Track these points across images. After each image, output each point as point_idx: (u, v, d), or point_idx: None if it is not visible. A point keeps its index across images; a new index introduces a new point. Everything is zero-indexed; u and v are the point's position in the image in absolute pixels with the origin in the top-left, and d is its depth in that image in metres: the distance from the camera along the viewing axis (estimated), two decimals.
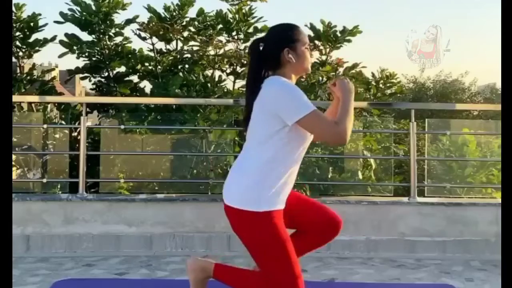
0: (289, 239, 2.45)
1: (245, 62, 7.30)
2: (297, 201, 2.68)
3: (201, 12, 7.21)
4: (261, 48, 2.58)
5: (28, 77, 6.98)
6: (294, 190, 2.65)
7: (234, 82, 7.37)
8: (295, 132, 2.43)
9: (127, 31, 8.63)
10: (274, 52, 2.53)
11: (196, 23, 7.20)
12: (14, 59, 6.94)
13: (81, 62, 7.15)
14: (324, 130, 2.40)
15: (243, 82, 7.48)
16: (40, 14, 6.92)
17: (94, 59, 7.08)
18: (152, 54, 7.24)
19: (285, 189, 2.50)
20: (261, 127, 2.46)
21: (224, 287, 2.64)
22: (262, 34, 7.76)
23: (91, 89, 7.96)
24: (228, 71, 7.37)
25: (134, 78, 7.33)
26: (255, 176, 2.44)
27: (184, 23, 7.18)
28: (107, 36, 7.03)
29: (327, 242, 2.80)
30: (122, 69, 7.21)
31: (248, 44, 7.35)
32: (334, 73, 7.11)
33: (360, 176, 6.11)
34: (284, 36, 2.56)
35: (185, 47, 7.26)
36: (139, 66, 7.14)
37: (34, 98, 6.34)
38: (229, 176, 2.58)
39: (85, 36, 7.01)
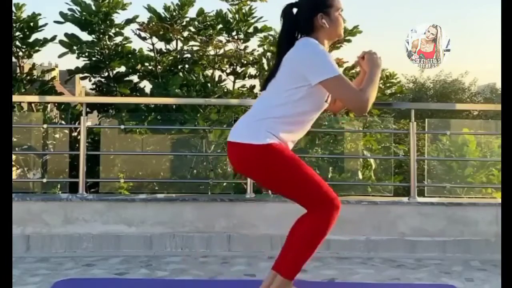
0: (303, 163, 2.49)
1: (245, 62, 7.31)
2: None
3: (201, 12, 7.21)
4: (294, 12, 2.59)
5: (28, 77, 6.98)
6: None
7: (234, 82, 7.38)
8: (312, 94, 2.48)
9: (127, 31, 8.64)
10: (307, 17, 2.56)
11: (196, 23, 7.20)
12: (14, 59, 6.95)
13: (81, 62, 7.17)
14: (348, 95, 2.45)
15: (243, 82, 7.49)
16: (40, 14, 6.93)
17: (94, 59, 7.09)
18: (152, 54, 7.25)
19: (288, 138, 2.53)
20: (282, 81, 2.51)
21: None
22: (262, 34, 7.81)
23: (91, 89, 7.97)
24: (228, 71, 7.37)
25: (134, 78, 7.35)
26: (260, 115, 2.51)
27: (184, 23, 7.18)
28: (107, 36, 7.03)
29: None
30: (122, 69, 7.22)
31: (248, 44, 7.37)
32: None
33: (360, 176, 6.12)
34: (318, 1, 2.58)
35: (185, 47, 7.28)
36: (139, 66, 7.15)
37: (34, 98, 6.34)
38: (239, 120, 2.64)
39: (85, 36, 7.03)
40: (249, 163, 2.52)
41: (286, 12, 2.62)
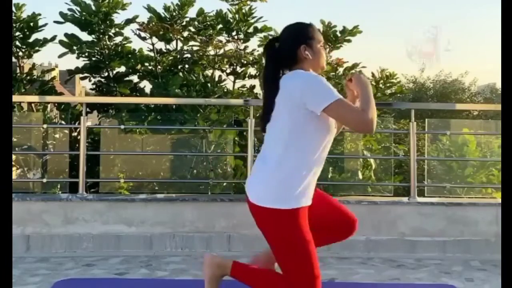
0: (312, 240, 2.46)
1: (245, 62, 7.31)
2: (317, 197, 2.67)
3: (201, 12, 7.21)
4: (276, 46, 2.59)
5: (28, 77, 6.97)
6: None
7: (234, 82, 7.37)
8: (320, 123, 2.45)
9: (127, 31, 8.65)
10: (290, 50, 2.55)
11: (196, 23, 7.20)
12: (14, 59, 6.94)
13: (81, 62, 7.16)
14: (352, 117, 2.43)
15: (243, 82, 7.49)
16: (40, 14, 6.92)
17: (94, 59, 7.08)
18: (152, 54, 7.24)
19: (311, 186, 2.52)
20: (286, 121, 2.46)
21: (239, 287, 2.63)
22: (262, 34, 7.80)
23: (91, 89, 7.96)
24: (228, 71, 7.37)
25: (134, 78, 7.34)
26: (281, 173, 2.45)
27: (184, 23, 7.18)
28: (107, 36, 7.03)
29: (342, 240, 2.85)
30: (122, 69, 7.21)
31: (248, 44, 7.36)
32: (334, 73, 7.10)
33: (360, 176, 6.11)
34: (300, 34, 2.58)
35: (185, 47, 7.27)
36: (139, 66, 7.14)
37: (34, 98, 6.34)
38: (253, 174, 2.59)
39: (85, 36, 7.02)
40: (273, 226, 2.50)
41: (269, 47, 2.61)
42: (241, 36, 7.26)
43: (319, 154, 2.53)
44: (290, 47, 2.55)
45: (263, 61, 7.23)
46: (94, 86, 7.38)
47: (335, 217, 2.77)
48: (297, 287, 2.43)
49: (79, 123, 4.72)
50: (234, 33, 7.26)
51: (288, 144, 2.46)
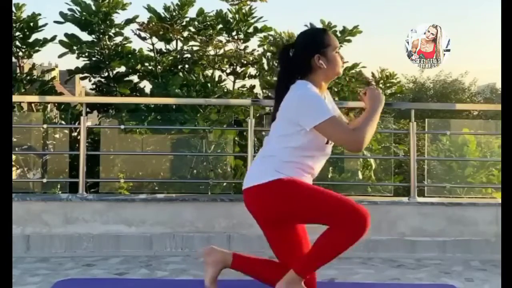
0: (311, 184, 2.51)
1: (245, 62, 7.31)
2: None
3: (201, 12, 7.21)
4: (291, 54, 2.58)
5: (28, 77, 6.98)
6: None
7: (234, 82, 7.38)
8: (311, 138, 2.48)
9: (127, 31, 8.63)
10: (304, 59, 2.54)
11: (196, 23, 7.20)
12: (14, 59, 6.94)
13: (81, 62, 7.16)
14: (341, 136, 2.44)
15: (243, 82, 7.50)
16: (40, 14, 6.93)
17: (94, 59, 7.08)
18: (152, 54, 7.24)
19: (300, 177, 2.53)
20: (281, 126, 2.53)
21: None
22: (262, 34, 7.81)
23: (91, 89, 7.97)
24: (228, 71, 7.37)
25: (134, 78, 7.34)
26: (270, 159, 2.51)
27: (184, 23, 7.18)
28: (107, 36, 7.03)
29: None
30: (122, 69, 7.22)
31: (248, 44, 7.37)
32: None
33: (360, 176, 6.11)
34: (314, 42, 2.57)
35: (185, 47, 7.27)
36: (139, 66, 7.14)
37: (34, 98, 6.34)
38: (249, 169, 2.71)
39: (85, 36, 7.02)
40: (266, 204, 2.50)
41: (283, 54, 2.62)
42: (241, 36, 7.27)
43: (311, 164, 2.56)
44: (304, 57, 2.54)
45: (263, 61, 7.28)
46: (94, 86, 7.39)
47: None
48: (348, 223, 2.42)
49: (79, 123, 4.72)
50: (234, 33, 7.26)
51: (284, 145, 2.51)
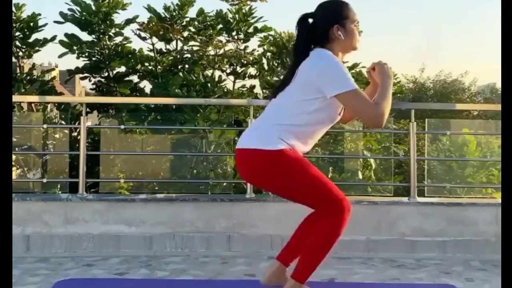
0: (317, 171, 2.52)
1: (245, 62, 7.31)
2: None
3: (201, 12, 7.22)
4: (309, 22, 2.59)
5: (28, 77, 6.98)
6: None
7: (234, 82, 7.38)
8: (327, 107, 2.48)
9: (127, 31, 8.65)
10: (323, 28, 2.55)
11: (196, 23, 7.21)
12: (14, 59, 6.95)
13: (81, 62, 7.17)
14: (363, 109, 2.44)
15: (243, 82, 7.50)
16: (40, 14, 6.93)
17: (94, 59, 7.09)
18: (152, 54, 7.25)
19: (298, 147, 2.54)
20: (296, 91, 2.50)
21: None
22: (262, 34, 7.80)
23: (91, 89, 7.97)
24: (228, 71, 7.38)
25: (134, 78, 7.35)
26: (270, 122, 2.51)
27: (184, 23, 7.19)
28: (107, 36, 7.03)
29: None
30: (122, 69, 7.22)
31: (248, 44, 7.37)
32: None
33: (360, 176, 6.12)
34: (334, 13, 2.58)
35: (185, 47, 7.28)
36: (139, 66, 7.15)
37: (34, 98, 6.34)
38: (249, 126, 2.65)
39: (85, 36, 7.03)
40: (259, 170, 2.51)
41: (302, 22, 2.61)
42: (241, 36, 7.27)
43: (311, 129, 2.56)
44: (323, 26, 2.55)
45: (263, 60, 7.29)
46: (94, 86, 7.39)
47: None
48: (333, 215, 2.49)
49: (79, 123, 4.71)
50: (234, 33, 7.27)
51: (292, 112, 2.50)
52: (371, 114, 2.45)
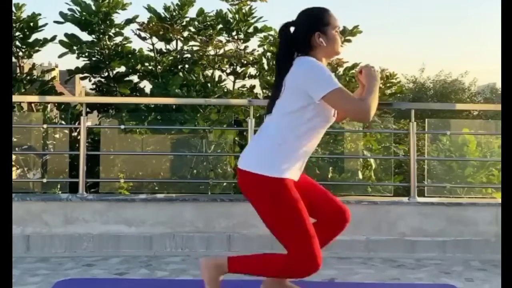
0: (302, 204, 2.49)
1: (245, 62, 7.31)
2: (307, 184, 2.71)
3: (201, 12, 7.22)
4: (291, 31, 2.60)
5: (28, 77, 6.98)
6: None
7: (234, 82, 7.38)
8: (319, 110, 2.50)
9: (127, 31, 8.64)
10: (305, 36, 2.57)
11: (196, 23, 7.20)
12: (14, 59, 6.94)
13: (81, 62, 7.17)
14: (349, 105, 2.48)
15: (243, 82, 7.50)
16: (40, 14, 6.93)
17: (94, 59, 7.08)
18: (152, 54, 7.25)
19: (299, 162, 2.56)
20: (288, 102, 2.52)
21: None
22: (262, 34, 7.80)
23: (91, 89, 7.97)
24: (228, 71, 7.37)
25: (134, 78, 7.35)
26: (272, 141, 2.52)
27: (184, 23, 7.18)
28: (107, 36, 7.03)
29: (336, 234, 2.81)
30: (122, 69, 7.22)
31: (248, 44, 7.37)
32: (334, 73, 7.10)
33: (360, 176, 6.12)
34: (315, 20, 2.60)
35: (185, 47, 7.28)
36: (139, 66, 7.15)
37: (34, 98, 6.34)
38: (248, 144, 2.70)
39: (85, 36, 7.02)
40: (258, 193, 2.52)
41: (283, 31, 2.63)
42: (241, 36, 7.27)
43: (312, 140, 2.58)
44: (305, 34, 2.57)
45: (263, 60, 7.29)
46: (94, 86, 7.39)
47: (326, 206, 2.74)
48: (294, 255, 2.46)
49: (79, 123, 4.72)
50: (234, 33, 7.26)
51: (285, 123, 2.53)
52: (357, 109, 2.48)
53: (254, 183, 2.51)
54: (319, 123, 2.55)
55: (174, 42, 7.26)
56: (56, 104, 7.23)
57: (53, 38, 6.97)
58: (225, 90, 7.12)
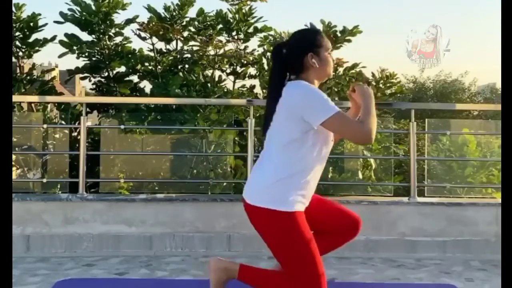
0: (313, 239, 2.47)
1: (245, 62, 7.31)
2: (317, 203, 2.69)
3: (201, 12, 7.22)
4: (284, 52, 2.59)
5: (28, 77, 6.98)
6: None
7: (234, 82, 7.38)
8: (318, 135, 2.47)
9: (127, 31, 8.63)
10: (297, 57, 2.55)
11: (196, 23, 7.20)
12: (14, 59, 6.94)
13: (81, 62, 7.16)
14: (350, 130, 2.47)
15: (243, 82, 7.49)
16: (40, 14, 6.92)
17: (94, 59, 7.08)
18: (152, 54, 7.24)
19: (308, 190, 2.53)
20: (285, 130, 2.48)
21: None
22: (262, 34, 7.80)
23: (91, 89, 7.97)
24: (228, 71, 7.37)
25: (134, 78, 7.34)
26: (277, 176, 2.47)
27: (184, 23, 7.18)
28: (107, 36, 7.03)
29: (347, 242, 2.83)
30: (122, 69, 7.22)
31: (248, 44, 7.37)
32: (334, 73, 7.10)
33: (360, 176, 6.11)
34: (308, 41, 2.58)
35: (185, 47, 7.27)
36: (139, 66, 7.14)
37: (34, 98, 6.34)
38: (251, 177, 2.62)
39: (85, 36, 7.02)
40: (270, 228, 2.50)
41: (276, 52, 2.62)
42: (241, 36, 7.27)
43: (316, 165, 2.54)
44: (297, 55, 2.55)
45: (263, 60, 7.29)
46: (94, 86, 7.39)
47: (338, 221, 2.75)
48: (302, 287, 2.44)
49: (79, 123, 4.72)
50: (234, 33, 7.26)
51: (286, 152, 2.48)
52: (358, 133, 2.47)
53: (265, 218, 2.47)
54: (320, 149, 2.52)
55: (174, 42, 7.26)
56: (56, 104, 7.22)
57: (53, 38, 6.97)
58: (225, 90, 7.12)
